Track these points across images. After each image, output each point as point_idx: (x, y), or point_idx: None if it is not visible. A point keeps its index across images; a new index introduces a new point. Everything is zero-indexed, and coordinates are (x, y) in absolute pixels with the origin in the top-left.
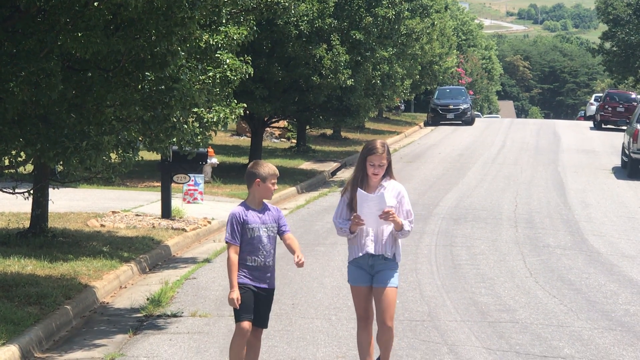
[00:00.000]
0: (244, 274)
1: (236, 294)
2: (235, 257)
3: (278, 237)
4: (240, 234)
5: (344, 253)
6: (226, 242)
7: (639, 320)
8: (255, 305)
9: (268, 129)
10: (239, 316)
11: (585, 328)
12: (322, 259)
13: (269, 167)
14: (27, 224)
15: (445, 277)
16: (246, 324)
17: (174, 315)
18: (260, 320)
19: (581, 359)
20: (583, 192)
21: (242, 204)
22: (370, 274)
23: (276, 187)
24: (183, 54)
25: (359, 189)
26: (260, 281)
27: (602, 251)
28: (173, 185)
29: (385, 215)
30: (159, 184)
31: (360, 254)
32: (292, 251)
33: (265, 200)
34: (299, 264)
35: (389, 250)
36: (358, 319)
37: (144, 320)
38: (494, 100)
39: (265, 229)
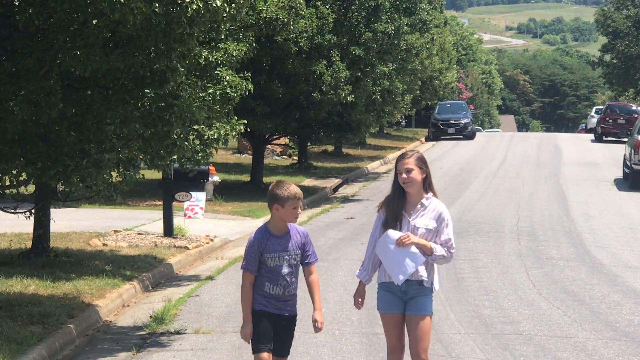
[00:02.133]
0: (262, 301)
1: (249, 329)
2: (249, 288)
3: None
4: (260, 262)
5: (346, 268)
6: (242, 270)
7: None
8: (275, 334)
9: (269, 146)
10: (256, 348)
11: (590, 339)
12: (325, 275)
13: (289, 189)
14: (29, 244)
15: (449, 290)
16: (265, 355)
17: (177, 333)
18: (281, 349)
19: None
20: (585, 204)
21: (262, 229)
22: (403, 300)
23: (300, 210)
24: (183, 70)
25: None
26: (279, 309)
27: (605, 262)
28: (175, 203)
29: (400, 242)
30: (160, 202)
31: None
32: (311, 297)
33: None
34: (318, 328)
35: (425, 276)
36: (389, 350)
37: (148, 337)
38: (495, 115)
39: (287, 258)
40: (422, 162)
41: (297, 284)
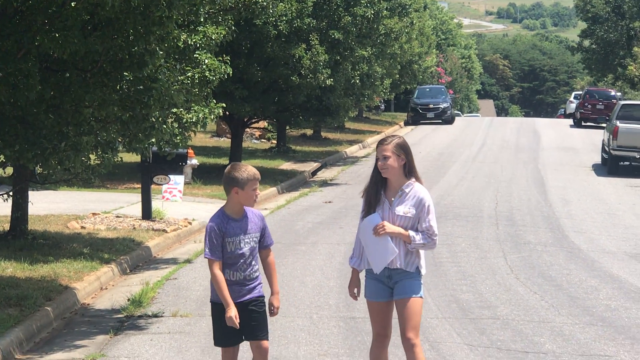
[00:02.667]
0: None
1: (234, 312)
2: (220, 273)
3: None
4: (221, 246)
5: (325, 252)
6: (206, 258)
7: (619, 315)
8: (246, 320)
9: (248, 129)
10: (221, 342)
11: (567, 324)
12: (302, 258)
13: (247, 170)
14: (6, 226)
15: (427, 274)
16: (229, 349)
17: (155, 316)
18: (258, 333)
19: (562, 354)
20: (563, 189)
21: (220, 213)
22: (389, 287)
23: (258, 192)
24: (161, 53)
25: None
26: (243, 295)
27: (582, 247)
28: (153, 186)
29: (375, 232)
30: (139, 185)
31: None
32: (269, 280)
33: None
34: (273, 313)
35: (405, 264)
36: (374, 338)
37: (125, 320)
38: (474, 99)
39: (248, 240)
40: (400, 149)
41: (258, 267)
